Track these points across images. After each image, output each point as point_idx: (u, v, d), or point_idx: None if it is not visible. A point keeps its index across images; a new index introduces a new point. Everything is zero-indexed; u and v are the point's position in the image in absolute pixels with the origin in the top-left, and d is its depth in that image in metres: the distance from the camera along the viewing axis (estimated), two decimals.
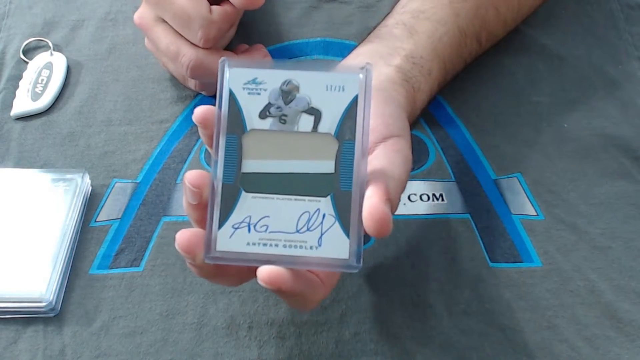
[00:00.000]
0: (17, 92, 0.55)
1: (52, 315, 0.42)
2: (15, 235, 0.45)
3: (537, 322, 0.42)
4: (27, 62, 0.57)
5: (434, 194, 0.48)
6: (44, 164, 0.50)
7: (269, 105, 0.34)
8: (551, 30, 0.59)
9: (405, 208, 0.47)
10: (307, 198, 0.33)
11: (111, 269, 0.44)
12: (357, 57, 0.46)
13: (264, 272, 0.32)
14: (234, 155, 0.34)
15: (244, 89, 0.34)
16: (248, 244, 0.33)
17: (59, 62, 0.57)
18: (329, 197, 0.33)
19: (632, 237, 0.46)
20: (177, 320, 0.42)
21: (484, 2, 0.51)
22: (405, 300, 0.43)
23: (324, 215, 0.33)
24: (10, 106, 0.54)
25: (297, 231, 0.33)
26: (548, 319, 0.42)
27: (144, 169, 0.50)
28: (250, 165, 0.34)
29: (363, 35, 0.50)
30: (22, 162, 0.51)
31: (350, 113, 0.34)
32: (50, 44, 0.58)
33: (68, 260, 0.44)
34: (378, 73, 0.43)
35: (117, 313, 0.42)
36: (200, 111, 0.34)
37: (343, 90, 0.34)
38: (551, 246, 0.45)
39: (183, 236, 0.33)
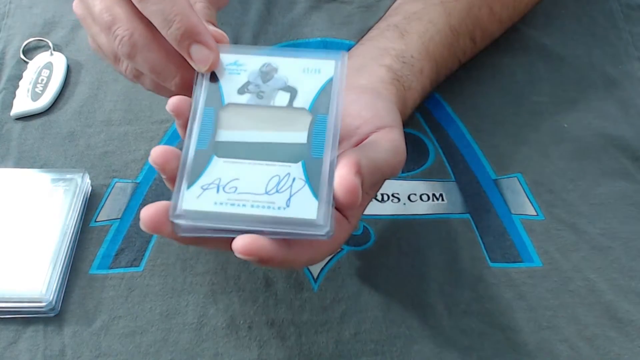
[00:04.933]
0: (17, 92, 0.55)
1: (52, 315, 0.42)
2: (15, 235, 0.45)
3: (537, 322, 0.42)
4: (27, 62, 0.57)
5: (434, 194, 0.48)
6: (44, 164, 0.50)
7: (247, 83, 0.36)
8: (551, 30, 0.59)
9: (405, 208, 0.47)
10: (278, 164, 0.34)
11: (111, 269, 0.44)
12: (350, 59, 0.45)
13: (240, 242, 0.31)
14: (210, 126, 0.35)
15: (224, 69, 0.36)
16: (215, 203, 0.33)
17: (59, 62, 0.57)
18: (300, 163, 0.34)
19: (632, 237, 0.46)
20: (177, 320, 0.42)
21: (477, 1, 0.51)
22: (405, 300, 0.43)
23: (293, 179, 0.33)
24: (10, 106, 0.54)
25: (266, 192, 0.33)
26: (548, 319, 0.42)
27: (144, 169, 0.50)
28: (225, 134, 0.35)
29: (363, 35, 0.50)
30: (22, 162, 0.51)
31: (324, 92, 0.36)
32: (50, 44, 0.58)
33: (68, 260, 0.44)
34: (369, 73, 0.44)
35: (117, 313, 0.42)
36: (173, 100, 0.35)
37: (319, 72, 0.36)
38: (551, 246, 0.45)
39: (147, 212, 0.33)
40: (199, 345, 0.41)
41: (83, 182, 0.48)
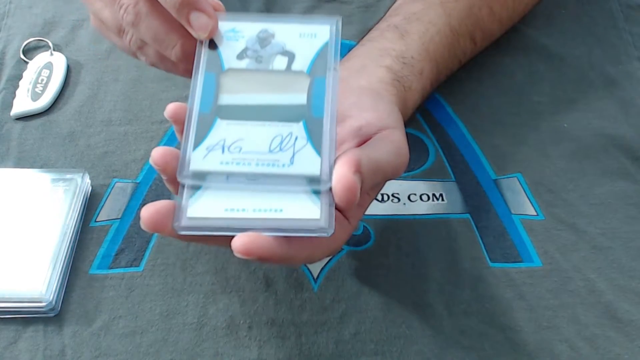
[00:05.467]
0: (17, 92, 0.55)
1: (52, 315, 0.42)
2: (15, 235, 0.45)
3: (537, 322, 0.42)
4: (27, 62, 0.57)
5: (434, 194, 0.48)
6: (44, 164, 0.50)
7: (246, 49, 0.37)
8: (551, 30, 0.59)
9: (405, 208, 0.47)
10: (280, 124, 0.35)
11: (111, 269, 0.44)
12: (350, 60, 0.46)
13: (238, 241, 0.31)
14: (211, 90, 0.36)
15: (223, 36, 0.37)
16: (221, 163, 0.34)
17: (59, 62, 0.57)
18: (301, 122, 0.35)
19: (632, 237, 0.46)
20: (177, 320, 0.42)
21: (477, 1, 0.51)
22: (405, 300, 0.43)
23: (296, 138, 0.34)
24: (10, 106, 0.54)
25: (270, 151, 0.34)
26: (548, 319, 0.42)
27: (144, 169, 0.50)
28: (226, 98, 0.36)
29: (363, 35, 0.50)
30: (22, 162, 0.51)
31: (321, 55, 0.37)
32: (50, 44, 0.58)
33: (68, 260, 0.44)
34: (369, 74, 0.44)
35: (117, 313, 0.42)
36: (171, 107, 0.35)
37: (315, 37, 0.37)
38: (551, 246, 0.45)
39: (147, 211, 0.33)
40: (199, 345, 0.41)
41: (83, 182, 0.48)
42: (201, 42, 0.37)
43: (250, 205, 0.33)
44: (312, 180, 0.33)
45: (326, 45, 0.37)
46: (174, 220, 0.33)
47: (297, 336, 0.41)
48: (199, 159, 0.34)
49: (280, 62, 0.36)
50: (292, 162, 0.34)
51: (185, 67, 0.38)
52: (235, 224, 0.33)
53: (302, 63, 0.36)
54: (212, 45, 0.37)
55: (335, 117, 0.35)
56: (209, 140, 0.34)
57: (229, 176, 0.33)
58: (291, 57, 0.36)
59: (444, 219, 0.47)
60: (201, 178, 0.33)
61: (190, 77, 0.36)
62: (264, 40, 0.37)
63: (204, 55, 0.36)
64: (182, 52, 0.38)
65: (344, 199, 0.32)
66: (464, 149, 0.51)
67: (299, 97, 0.35)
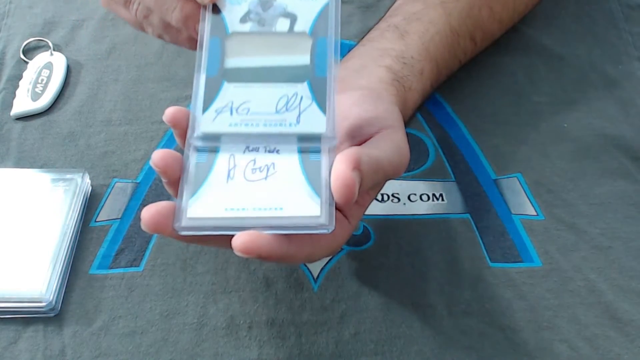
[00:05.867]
0: (17, 92, 0.55)
1: (52, 315, 0.42)
2: (15, 235, 0.45)
3: (537, 322, 0.42)
4: (27, 62, 0.57)
5: (434, 194, 0.48)
6: (44, 164, 0.50)
7: (249, 12, 0.38)
8: (551, 30, 0.59)
9: (405, 208, 0.47)
10: (285, 84, 0.36)
11: (111, 269, 0.44)
12: (350, 60, 0.46)
13: (239, 240, 0.31)
14: (217, 55, 0.37)
15: (225, 1, 0.38)
16: (230, 124, 0.35)
17: (59, 62, 0.57)
18: (305, 83, 0.36)
19: (632, 237, 0.46)
20: (177, 320, 0.42)
21: (477, 2, 0.51)
22: (405, 300, 0.43)
23: (301, 98, 0.35)
24: (10, 106, 0.54)
25: (277, 112, 0.35)
26: (548, 319, 0.42)
27: (144, 169, 0.50)
28: (232, 62, 0.37)
29: (363, 35, 0.50)
30: (22, 162, 0.51)
31: (322, 16, 0.37)
32: (50, 44, 0.58)
33: (68, 260, 0.44)
34: (369, 74, 0.44)
35: (117, 313, 0.42)
36: (170, 111, 0.35)
37: None
38: (551, 246, 0.45)
39: (148, 212, 0.33)
40: (199, 345, 0.41)
41: (83, 182, 0.48)
42: (205, 8, 0.38)
43: (250, 204, 0.33)
44: (317, 138, 0.34)
45: (326, 6, 0.38)
46: (174, 220, 0.33)
47: (297, 336, 0.41)
48: (208, 121, 0.35)
49: (282, 24, 0.37)
50: (298, 122, 0.35)
51: (187, 35, 0.39)
52: (236, 223, 0.33)
53: (303, 24, 0.37)
54: (216, 10, 0.38)
55: (337, 76, 0.36)
56: (217, 103, 0.35)
57: (238, 137, 0.35)
58: (293, 18, 0.37)
59: (444, 219, 0.47)
60: (211, 140, 0.35)
61: (193, 48, 0.37)
62: (265, 3, 0.38)
63: (208, 20, 0.37)
64: (182, 15, 0.39)
65: (342, 195, 0.32)
66: (464, 149, 0.51)
67: (303, 58, 0.36)
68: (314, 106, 0.35)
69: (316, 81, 0.36)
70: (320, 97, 0.35)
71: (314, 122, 0.35)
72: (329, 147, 0.34)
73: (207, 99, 0.35)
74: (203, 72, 0.36)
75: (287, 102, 0.35)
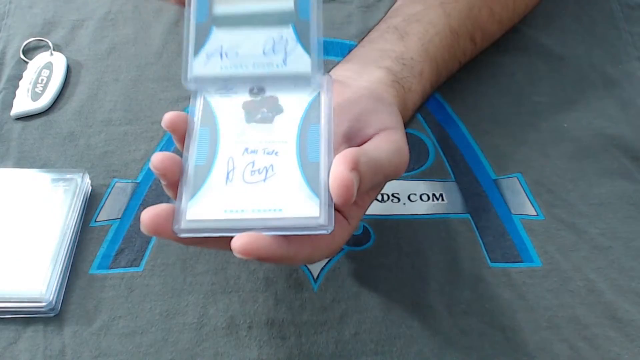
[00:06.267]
0: (17, 92, 0.55)
1: (52, 315, 0.42)
2: (15, 235, 0.45)
3: (537, 322, 0.42)
4: (27, 62, 0.57)
5: (434, 194, 0.48)
6: (44, 164, 0.50)
7: None
8: (551, 30, 0.59)
9: (405, 208, 0.47)
10: (271, 28, 0.38)
11: (111, 269, 0.45)
12: (350, 61, 0.46)
13: (238, 241, 0.31)
14: (206, 2, 0.38)
15: None
16: (221, 68, 0.37)
17: (59, 62, 0.57)
18: (290, 26, 0.37)
19: (632, 237, 0.46)
20: (177, 320, 0.42)
21: (477, 2, 0.51)
22: (405, 300, 0.43)
23: (287, 40, 0.37)
24: (10, 106, 0.54)
25: (264, 54, 0.37)
26: (548, 319, 0.42)
27: (144, 169, 0.50)
28: (220, 8, 0.38)
29: (363, 35, 0.50)
30: (22, 162, 0.51)
31: None
32: (50, 44, 0.58)
33: (68, 260, 0.44)
34: (369, 75, 0.44)
35: (117, 313, 0.42)
36: (168, 117, 0.36)
37: None
38: (551, 246, 0.45)
39: (147, 214, 0.33)
40: (199, 345, 0.41)
41: (83, 182, 0.48)
42: None
43: (249, 206, 0.33)
44: (305, 77, 0.36)
45: None
46: (173, 223, 0.33)
47: (297, 336, 0.41)
48: (200, 66, 0.37)
49: None
50: (285, 63, 0.37)
51: None
52: (235, 224, 0.33)
53: None
54: None
55: (320, 17, 0.37)
56: (207, 47, 0.37)
57: (229, 80, 0.37)
58: None
59: (444, 219, 0.47)
60: (204, 83, 0.37)
61: (181, 5, 0.38)
62: None
63: None
64: None
65: (341, 196, 0.32)
66: (464, 149, 0.51)
67: (287, 3, 0.38)
68: (299, 48, 0.37)
69: (300, 23, 0.37)
70: (304, 39, 0.37)
71: (300, 63, 0.37)
72: (317, 86, 0.37)
73: (198, 44, 0.37)
74: (194, 19, 0.38)
75: (274, 45, 0.37)
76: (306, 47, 0.37)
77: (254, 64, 0.37)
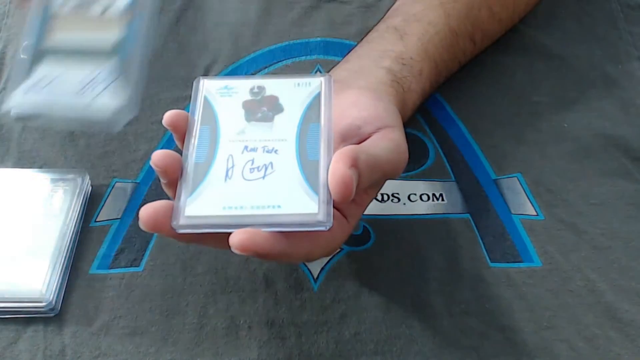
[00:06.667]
0: None
1: (52, 315, 0.42)
2: (15, 235, 0.45)
3: (537, 322, 0.42)
4: None
5: (434, 194, 0.48)
6: (44, 164, 0.50)
7: None
8: (551, 30, 0.59)
9: (405, 208, 0.47)
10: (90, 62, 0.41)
11: (111, 269, 0.45)
12: (349, 61, 0.46)
13: (236, 237, 0.31)
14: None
15: None
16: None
17: None
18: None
19: (632, 237, 0.46)
20: (177, 320, 0.42)
21: (477, 2, 0.51)
22: (405, 300, 0.43)
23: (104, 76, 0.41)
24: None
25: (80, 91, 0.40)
26: (548, 319, 0.42)
27: (144, 169, 0.50)
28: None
29: (363, 35, 0.50)
30: (22, 162, 0.50)
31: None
32: None
33: (68, 260, 0.44)
34: (368, 75, 0.44)
35: (117, 313, 0.42)
36: (169, 115, 0.36)
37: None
38: (551, 246, 0.45)
39: (146, 211, 0.33)
40: (199, 345, 0.41)
41: (83, 182, 0.48)
42: None
43: (248, 203, 0.33)
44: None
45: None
46: (172, 219, 0.33)
47: (297, 336, 0.41)
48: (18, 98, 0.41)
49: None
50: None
51: None
52: (234, 221, 0.33)
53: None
54: None
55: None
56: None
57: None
58: None
59: (444, 219, 0.47)
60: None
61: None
62: None
63: None
64: None
65: (340, 193, 0.32)
66: (464, 149, 0.51)
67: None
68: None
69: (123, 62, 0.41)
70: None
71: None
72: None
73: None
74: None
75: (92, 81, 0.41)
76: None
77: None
